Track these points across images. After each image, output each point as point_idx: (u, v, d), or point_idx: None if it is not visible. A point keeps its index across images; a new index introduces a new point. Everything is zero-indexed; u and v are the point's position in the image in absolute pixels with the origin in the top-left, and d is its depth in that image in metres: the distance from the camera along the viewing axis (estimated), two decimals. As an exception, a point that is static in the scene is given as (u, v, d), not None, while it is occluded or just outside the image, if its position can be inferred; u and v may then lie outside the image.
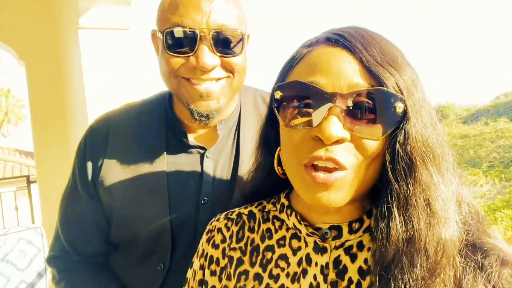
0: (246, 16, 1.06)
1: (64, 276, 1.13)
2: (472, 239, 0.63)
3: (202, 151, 1.10)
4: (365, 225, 0.69)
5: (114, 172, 1.07)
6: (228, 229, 0.81)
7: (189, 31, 0.94)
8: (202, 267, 0.82)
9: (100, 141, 1.11)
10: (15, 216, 5.66)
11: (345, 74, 0.59)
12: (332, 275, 0.67)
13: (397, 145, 0.60)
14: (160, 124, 1.11)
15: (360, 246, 0.68)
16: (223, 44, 0.97)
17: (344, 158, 0.60)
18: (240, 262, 0.77)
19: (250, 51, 1.09)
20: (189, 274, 0.85)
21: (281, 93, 0.65)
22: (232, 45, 0.98)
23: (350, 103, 0.59)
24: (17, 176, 9.33)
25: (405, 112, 0.59)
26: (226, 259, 0.78)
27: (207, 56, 0.94)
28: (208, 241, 0.82)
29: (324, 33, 0.67)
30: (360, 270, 0.66)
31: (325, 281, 0.67)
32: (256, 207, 0.83)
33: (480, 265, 0.60)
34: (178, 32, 0.95)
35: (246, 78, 1.08)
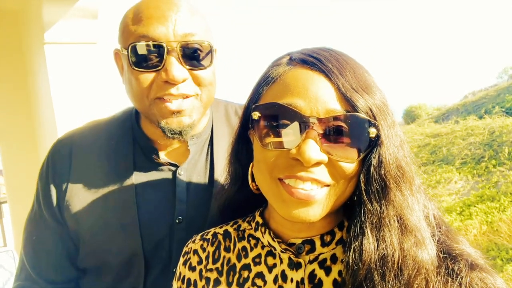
0: (212, 30, 1.03)
1: None
2: (441, 246, 0.65)
3: (174, 168, 1.06)
4: (337, 237, 0.70)
5: (79, 196, 1.02)
6: (204, 250, 0.81)
7: (156, 44, 0.90)
8: None
9: (64, 162, 1.05)
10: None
11: (322, 98, 0.61)
12: None
13: (372, 168, 0.62)
14: (127, 142, 1.06)
15: (334, 259, 0.69)
16: (192, 56, 0.94)
17: (324, 176, 0.62)
18: (217, 282, 0.76)
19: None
20: None
21: (258, 114, 0.66)
22: (200, 57, 0.95)
23: (326, 127, 0.61)
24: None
25: (378, 136, 0.62)
26: (203, 280, 0.78)
27: (176, 68, 0.91)
28: (184, 263, 0.82)
29: (298, 53, 0.68)
30: (335, 283, 0.67)
31: None
32: (231, 226, 0.83)
33: (450, 270, 0.62)
34: (144, 46, 0.90)
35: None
